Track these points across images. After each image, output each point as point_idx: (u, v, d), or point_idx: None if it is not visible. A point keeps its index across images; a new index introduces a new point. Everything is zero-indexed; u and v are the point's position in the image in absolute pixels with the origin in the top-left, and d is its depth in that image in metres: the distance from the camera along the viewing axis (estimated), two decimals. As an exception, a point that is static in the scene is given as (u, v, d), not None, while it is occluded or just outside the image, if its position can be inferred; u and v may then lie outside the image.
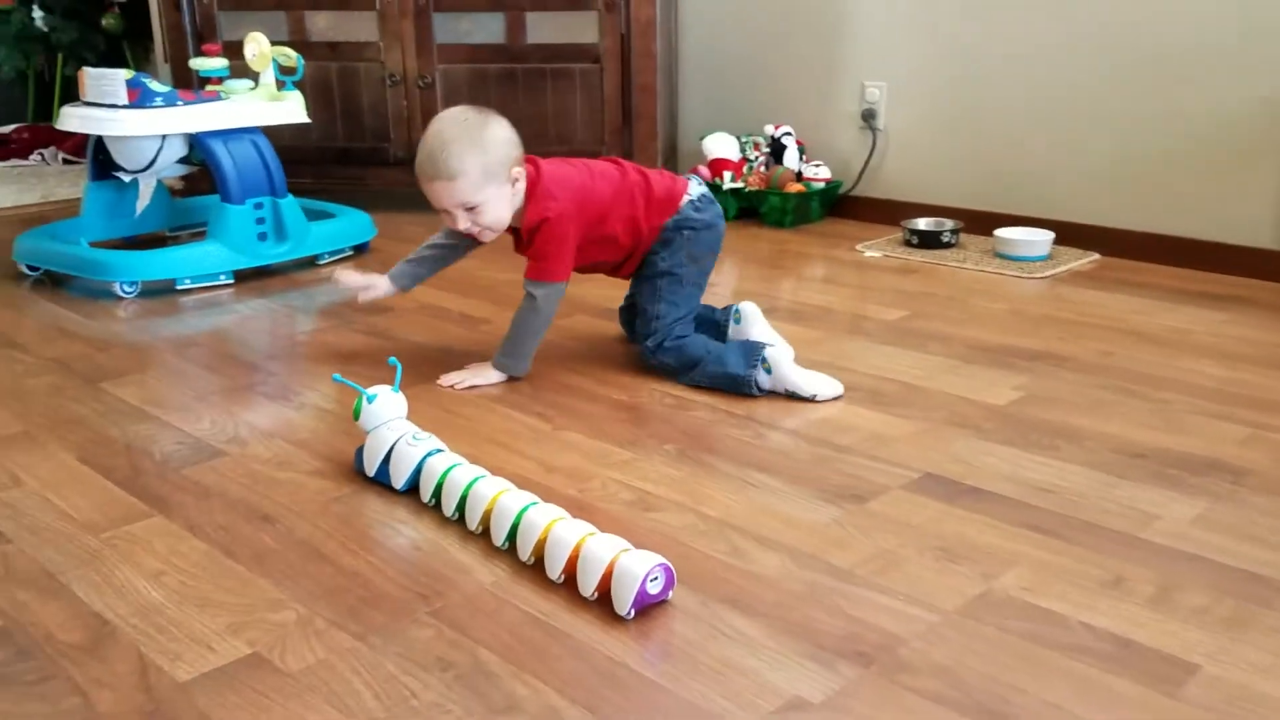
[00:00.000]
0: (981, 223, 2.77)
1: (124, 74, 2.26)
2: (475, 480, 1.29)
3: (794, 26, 3.08)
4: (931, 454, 1.50)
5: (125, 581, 1.19)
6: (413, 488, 1.38)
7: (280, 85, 2.56)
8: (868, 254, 2.67)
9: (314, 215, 2.61)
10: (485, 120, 1.68)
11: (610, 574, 1.11)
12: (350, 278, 1.89)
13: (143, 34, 4.34)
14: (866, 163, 3.00)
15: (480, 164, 1.64)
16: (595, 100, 2.97)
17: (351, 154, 3.08)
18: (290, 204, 2.48)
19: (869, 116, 2.98)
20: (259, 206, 2.42)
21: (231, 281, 2.39)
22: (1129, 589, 1.16)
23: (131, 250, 2.41)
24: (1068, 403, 1.69)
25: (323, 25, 2.98)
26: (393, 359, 1.49)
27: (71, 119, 2.32)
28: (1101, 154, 2.60)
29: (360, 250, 2.69)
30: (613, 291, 2.31)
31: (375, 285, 1.89)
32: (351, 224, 2.67)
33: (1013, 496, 1.38)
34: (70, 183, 3.49)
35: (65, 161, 3.88)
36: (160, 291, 2.33)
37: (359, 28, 2.97)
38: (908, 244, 2.72)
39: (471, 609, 1.13)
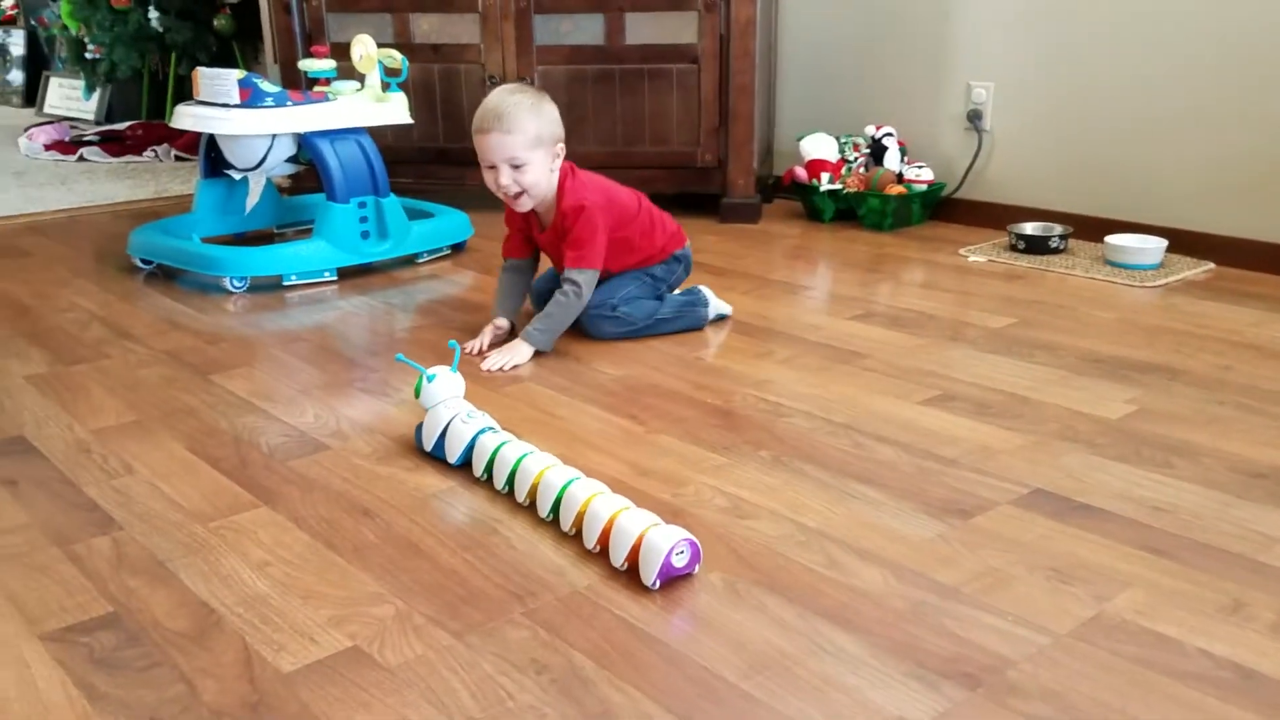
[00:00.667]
0: (1090, 228, 2.68)
1: (236, 74, 2.32)
2: (523, 456, 1.37)
3: (898, 25, 3.02)
4: (1041, 469, 1.45)
5: (231, 571, 1.22)
6: (466, 463, 1.47)
7: (385, 87, 2.60)
8: (971, 259, 2.60)
9: (414, 214, 2.65)
10: (542, 96, 1.92)
11: (639, 546, 1.17)
12: (497, 359, 1.88)
13: (253, 35, 4.48)
14: (971, 165, 2.92)
15: (535, 126, 1.86)
16: (692, 101, 2.95)
17: (450, 154, 3.12)
18: (392, 203, 2.53)
19: (975, 117, 2.90)
20: (362, 205, 2.47)
21: (335, 278, 2.44)
22: (1249, 615, 1.10)
23: (241, 246, 2.48)
24: (1183, 418, 1.61)
25: (426, 27, 3.03)
26: (452, 342, 1.63)
27: (185, 117, 2.39)
28: (1217, 159, 2.49)
29: (457, 249, 2.72)
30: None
31: (514, 348, 1.90)
32: (450, 223, 2.70)
33: (1126, 515, 1.32)
34: (182, 179, 3.61)
35: (177, 158, 4.02)
36: (268, 287, 2.39)
37: (461, 30, 3.01)
38: (1013, 249, 2.64)
39: (566, 612, 1.12)
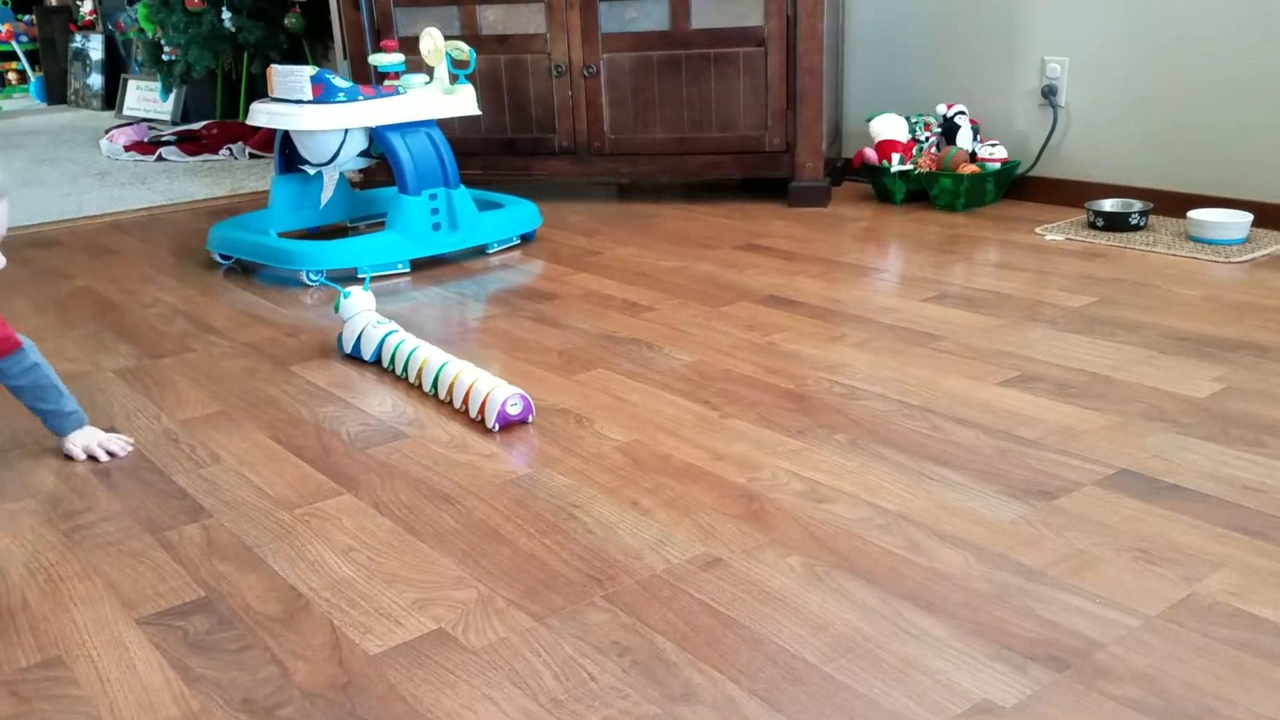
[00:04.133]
0: (1172, 204, 2.60)
1: (309, 70, 2.37)
2: (414, 350, 1.76)
3: (968, 1, 2.96)
4: (1126, 449, 1.41)
5: (317, 556, 1.25)
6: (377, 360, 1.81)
7: (453, 79, 2.63)
8: (1048, 237, 2.54)
9: (483, 205, 2.67)
10: None
11: (485, 402, 1.57)
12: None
13: (322, 32, 4.55)
14: (1046, 141, 2.86)
15: None
16: (759, 84, 2.93)
17: (517, 144, 3.15)
18: (462, 194, 2.55)
19: (1049, 93, 2.83)
20: (433, 197, 2.50)
21: (408, 270, 2.48)
22: (1355, 600, 1.07)
23: (316, 240, 2.53)
24: (1273, 396, 1.56)
25: (492, 19, 3.05)
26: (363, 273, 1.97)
27: (260, 115, 2.44)
28: (1312, 127, 2.40)
29: (526, 239, 2.74)
30: (776, 279, 2.29)
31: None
32: (519, 213, 2.72)
33: (1216, 495, 1.28)
34: (257, 176, 3.69)
35: (252, 156, 4.11)
36: (343, 280, 2.43)
37: (527, 20, 3.02)
38: (1092, 226, 2.58)
39: (645, 595, 1.13)
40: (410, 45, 2.70)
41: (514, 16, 3.03)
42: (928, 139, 2.93)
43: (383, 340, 1.83)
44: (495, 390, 1.57)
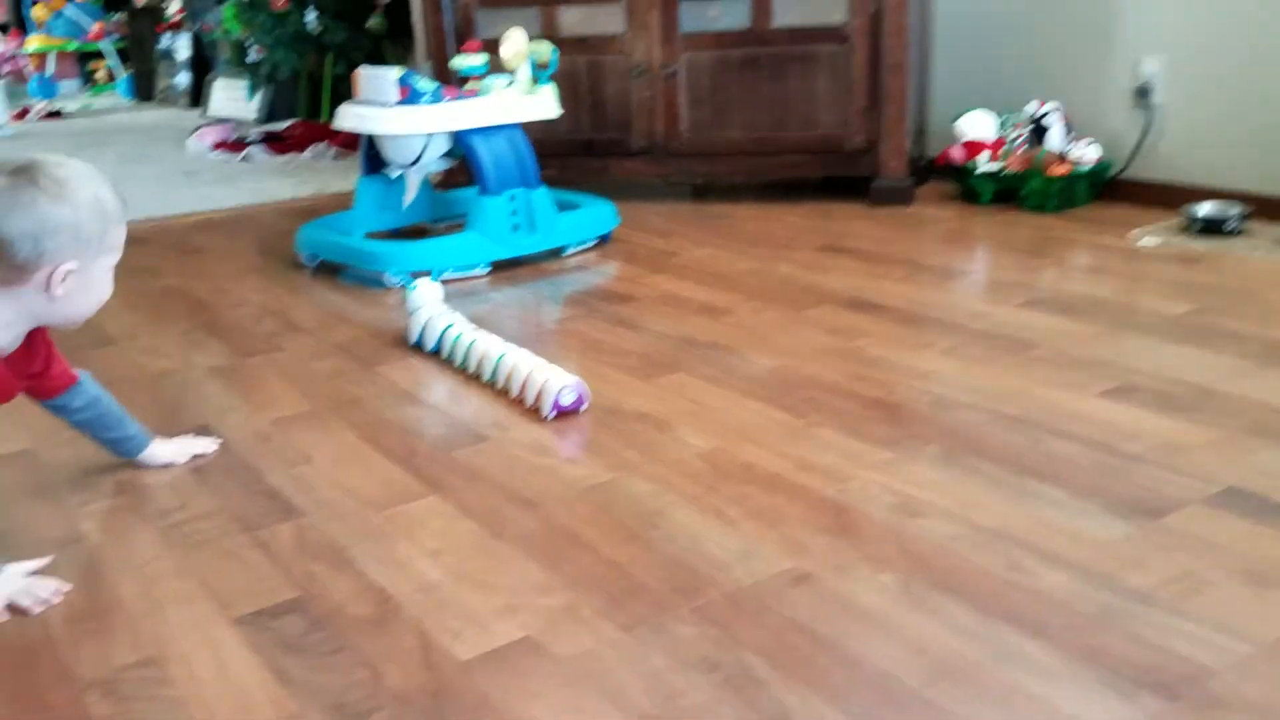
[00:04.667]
0: (1272, 208, 2.50)
1: (395, 73, 2.39)
2: (473, 341, 1.82)
3: (1059, -3, 2.88)
4: (1233, 465, 1.36)
5: (406, 558, 1.25)
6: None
7: (535, 80, 2.63)
8: (1142, 241, 2.46)
9: (561, 206, 2.67)
10: None
11: (541, 391, 1.63)
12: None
13: (404, 33, 4.61)
14: (1140, 142, 2.77)
15: None
16: (841, 82, 2.89)
17: (595, 145, 3.14)
18: (541, 195, 2.56)
19: (1144, 92, 2.74)
20: (513, 199, 2.51)
21: (488, 271, 2.49)
22: None
23: (399, 241, 2.56)
24: (1395, 412, 1.49)
25: (572, 20, 3.05)
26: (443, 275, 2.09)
27: (347, 118, 2.47)
28: None
29: (603, 240, 2.74)
30: (859, 281, 2.25)
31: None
32: (597, 214, 2.72)
33: (1335, 518, 1.22)
34: (341, 176, 3.75)
35: (335, 156, 4.17)
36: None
37: (607, 20, 3.02)
38: (1188, 230, 2.49)
39: (734, 609, 1.11)
40: (492, 46, 2.71)
41: (594, 17, 3.03)
42: (1017, 138, 2.86)
43: (443, 332, 1.88)
44: (550, 379, 1.62)
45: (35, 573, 1.24)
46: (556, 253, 2.63)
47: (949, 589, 1.13)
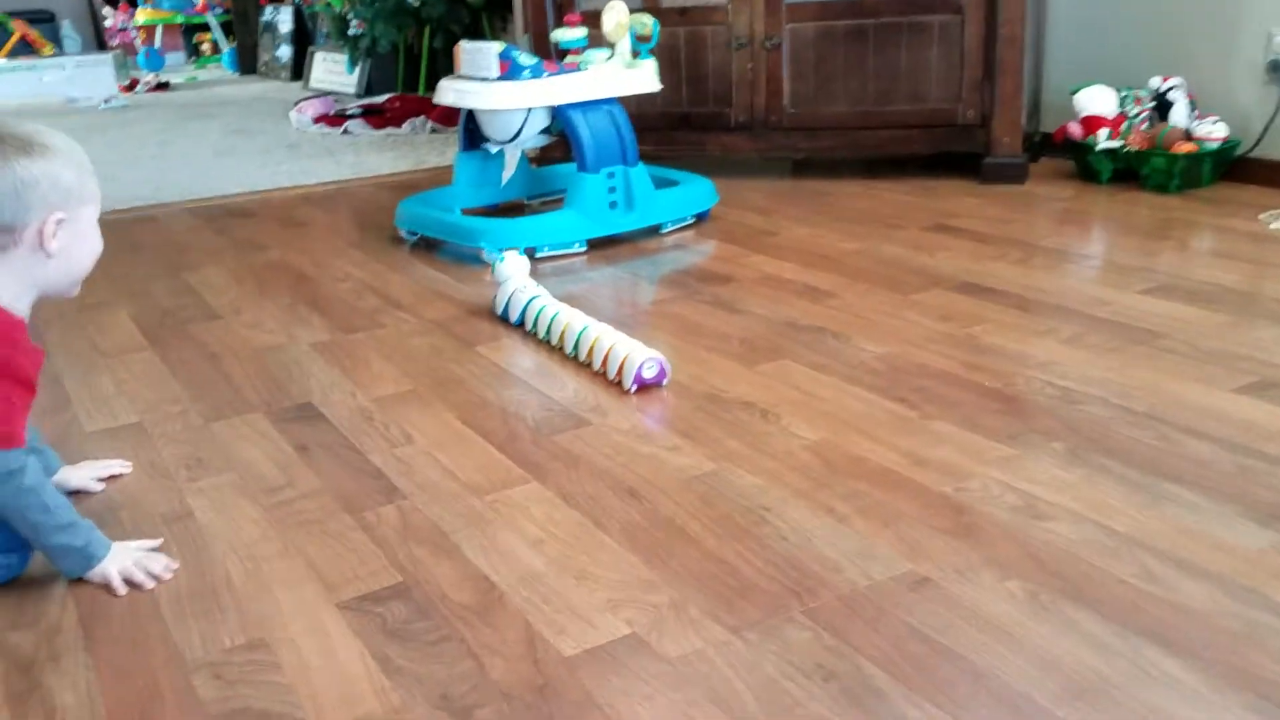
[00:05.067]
0: None
1: (496, 47, 2.36)
2: (555, 314, 1.83)
3: (1190, -37, 2.72)
4: (1393, 474, 1.26)
5: (508, 546, 1.23)
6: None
7: (635, 54, 2.58)
8: (1273, 225, 2.31)
9: (658, 183, 2.62)
10: None
11: (623, 364, 1.65)
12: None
13: (502, 6, 4.60)
14: (1271, 120, 2.60)
15: None
16: (953, 55, 2.77)
17: (693, 119, 3.08)
18: (640, 173, 2.51)
19: (1276, 67, 2.57)
20: (611, 175, 2.47)
21: (585, 249, 2.46)
22: None
23: (497, 218, 2.54)
24: None
25: (674, -10, 2.99)
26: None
27: (447, 93, 2.46)
28: None
29: (701, 218, 2.68)
30: (970, 263, 2.16)
31: None
32: (695, 192, 2.66)
33: None
34: (438, 151, 3.76)
35: (433, 130, 4.19)
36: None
37: (709, -9, 2.95)
38: (1328, 213, 2.33)
39: (849, 613, 1.06)
40: (592, 19, 2.67)
41: (696, -12, 2.96)
42: (1139, 114, 2.71)
43: (527, 304, 1.91)
44: (632, 353, 1.64)
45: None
46: (654, 230, 2.59)
47: (1080, 599, 1.06)
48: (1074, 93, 2.81)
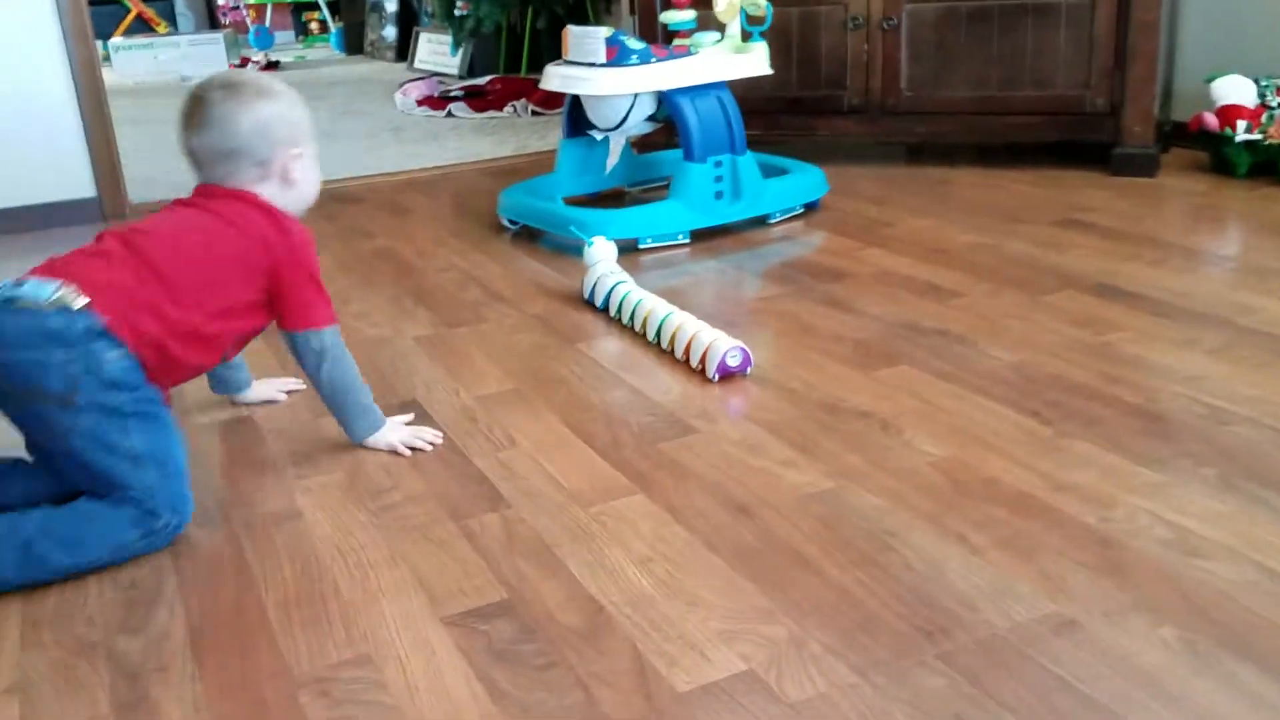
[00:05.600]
0: None
1: (604, 32, 2.31)
2: (639, 300, 1.84)
3: (1350, -63, 2.51)
4: None
5: (616, 565, 1.18)
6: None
7: (746, 36, 2.50)
8: None
9: (766, 171, 2.54)
10: None
11: (706, 352, 1.63)
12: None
13: (605, -14, 4.53)
14: None
15: None
16: (1082, 39, 2.62)
17: (803, 103, 2.98)
18: (748, 161, 2.43)
19: None
20: (718, 164, 2.40)
21: (688, 241, 2.40)
22: None
23: (599, 208, 2.49)
24: None
25: (786, -30, 2.88)
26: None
27: (554, 79, 2.41)
28: None
29: (810, 208, 2.59)
30: (1103, 263, 2.02)
31: None
32: (805, 181, 2.57)
33: None
34: (539, 135, 3.73)
35: (534, 113, 4.16)
36: (623, 249, 2.37)
37: (824, -29, 2.84)
38: None
39: (988, 659, 0.99)
40: (701, 0, 2.58)
41: (809, -33, 2.85)
42: (1279, 105, 2.53)
43: (612, 289, 1.92)
44: (716, 341, 1.63)
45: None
46: (761, 220, 2.51)
47: (1242, 650, 0.96)
48: (1209, 81, 2.63)
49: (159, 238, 1.30)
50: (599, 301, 1.96)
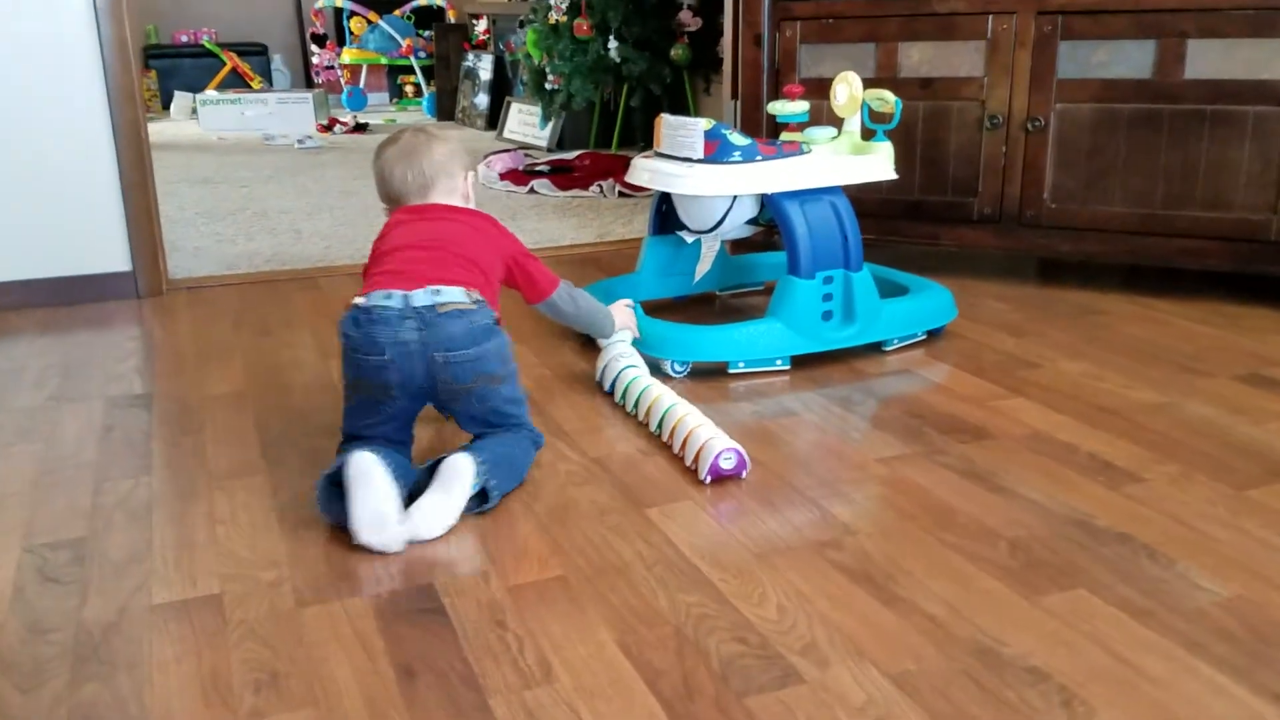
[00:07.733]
0: None
1: (704, 124, 1.96)
2: (646, 387, 1.76)
3: None
4: None
5: None
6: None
7: (868, 134, 2.14)
8: None
9: (882, 287, 2.15)
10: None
11: (700, 451, 1.54)
12: None
13: (708, 65, 4.24)
14: None
15: None
16: (1270, 153, 2.20)
17: (925, 208, 2.60)
18: (864, 279, 2.05)
19: None
20: (828, 281, 2.02)
21: (788, 367, 2.02)
22: None
23: (686, 324, 2.12)
24: None
25: (916, 58, 2.52)
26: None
27: (642, 173, 2.07)
28: None
29: (934, 335, 2.19)
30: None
31: None
32: (929, 303, 2.18)
33: None
34: (624, 220, 3.41)
35: (621, 194, 3.85)
36: (711, 372, 2.00)
37: (961, 60, 2.47)
38: None
39: None
40: (814, 87, 2.24)
41: (945, 56, 2.48)
42: None
43: (620, 372, 1.85)
44: (713, 440, 1.55)
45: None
46: (875, 346, 2.12)
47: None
48: None
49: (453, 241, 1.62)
50: (608, 383, 1.88)
